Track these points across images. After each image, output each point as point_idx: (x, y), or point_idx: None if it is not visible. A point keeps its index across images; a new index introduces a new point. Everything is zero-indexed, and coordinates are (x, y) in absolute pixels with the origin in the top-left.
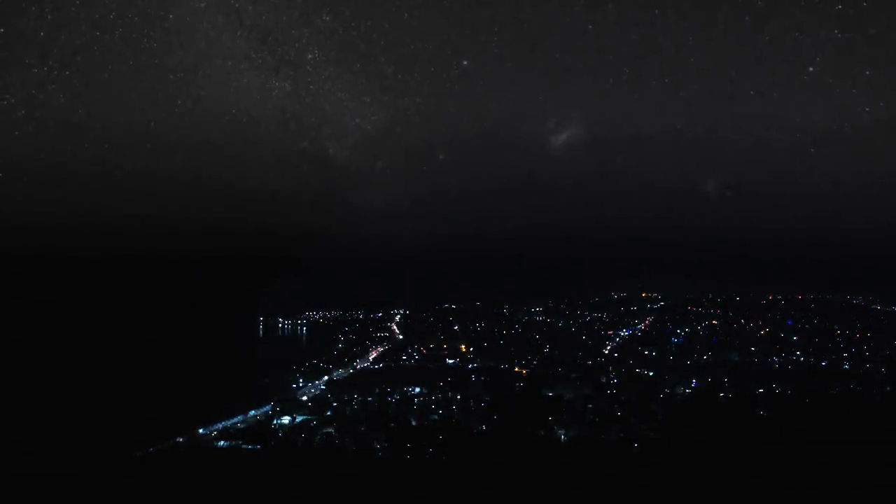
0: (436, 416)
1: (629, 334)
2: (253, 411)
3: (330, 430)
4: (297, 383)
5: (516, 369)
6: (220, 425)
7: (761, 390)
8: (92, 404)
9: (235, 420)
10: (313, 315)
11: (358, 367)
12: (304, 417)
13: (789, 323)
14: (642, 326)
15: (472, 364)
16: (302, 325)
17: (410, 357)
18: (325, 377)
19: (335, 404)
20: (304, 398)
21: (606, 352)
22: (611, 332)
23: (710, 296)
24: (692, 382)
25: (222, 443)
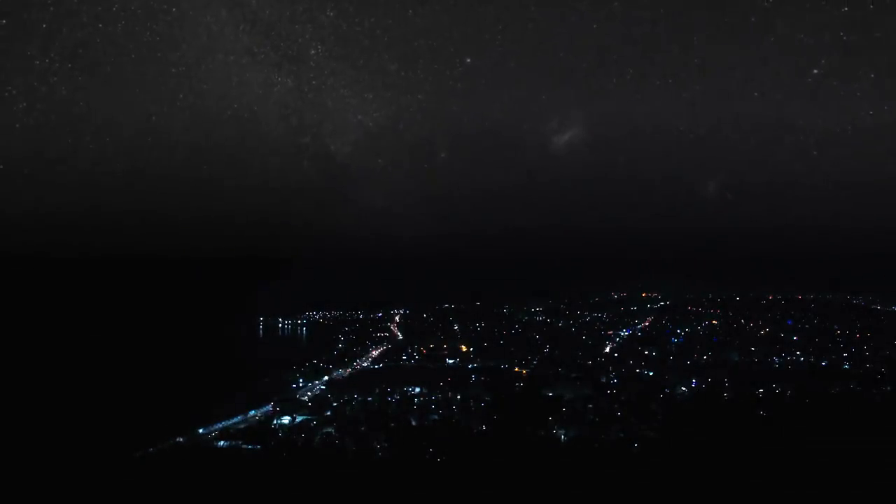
0: (436, 416)
1: (629, 334)
2: (253, 411)
3: (330, 430)
4: (297, 383)
5: (516, 369)
6: (220, 425)
7: (761, 390)
8: (92, 404)
9: (235, 420)
10: (313, 315)
11: (358, 367)
12: (304, 417)
13: (789, 323)
14: (642, 326)
15: (472, 364)
16: (302, 325)
17: (410, 357)
18: (325, 377)
19: (335, 404)
20: (304, 398)
21: (606, 352)
22: (611, 332)
23: (710, 296)
24: (692, 382)
25: (222, 443)
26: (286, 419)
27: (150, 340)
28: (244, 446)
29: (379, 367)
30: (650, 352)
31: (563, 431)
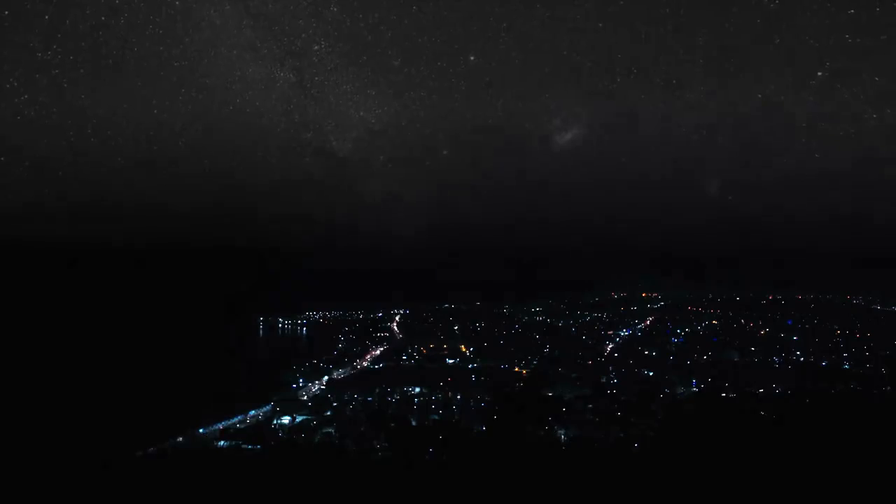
0: (436, 416)
1: (629, 334)
2: (253, 411)
3: (330, 430)
4: (297, 383)
5: (516, 369)
6: (220, 425)
7: (761, 390)
8: (92, 403)
9: (235, 420)
10: (313, 315)
11: (358, 366)
12: (304, 417)
13: (789, 323)
14: (642, 326)
15: (472, 364)
16: (302, 325)
17: (410, 357)
18: (325, 377)
19: (335, 404)
20: (304, 398)
21: (606, 352)
22: (611, 332)
23: (710, 296)
24: (692, 382)
25: (222, 443)
26: (286, 419)
27: (150, 339)
28: (244, 446)
29: (379, 367)
30: (650, 352)
31: (563, 431)
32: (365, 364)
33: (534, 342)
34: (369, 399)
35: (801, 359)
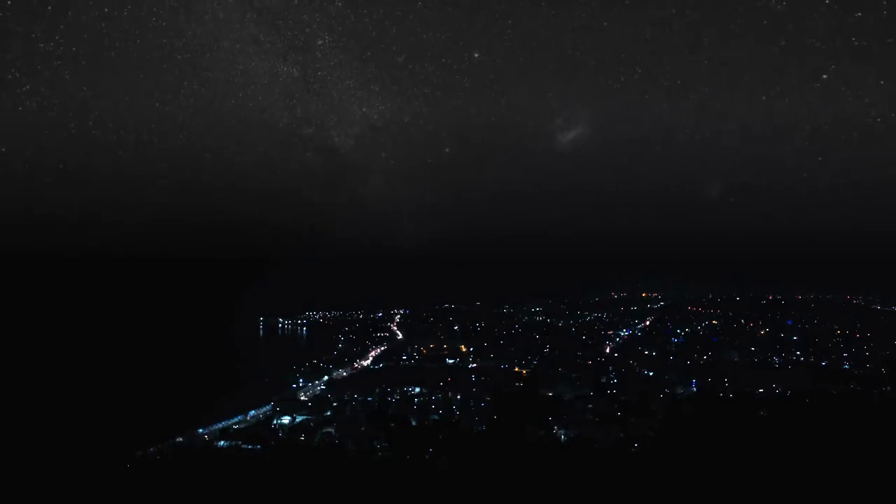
0: (436, 416)
1: (629, 334)
2: (253, 411)
3: (330, 430)
4: (297, 383)
5: (516, 369)
6: (220, 425)
7: (761, 390)
8: (91, 404)
9: (235, 420)
10: (313, 315)
11: (358, 366)
12: (304, 417)
13: (789, 323)
14: (642, 326)
15: (472, 364)
16: (302, 325)
17: (410, 357)
18: (325, 377)
19: (335, 404)
20: (304, 398)
21: (606, 352)
22: (611, 332)
23: (710, 296)
24: (692, 382)
25: (222, 443)
26: (286, 419)
27: (150, 339)
28: (244, 446)
29: (379, 367)
30: (650, 352)
31: (563, 431)
32: (365, 364)
33: (534, 342)
34: (369, 399)
35: (802, 359)
